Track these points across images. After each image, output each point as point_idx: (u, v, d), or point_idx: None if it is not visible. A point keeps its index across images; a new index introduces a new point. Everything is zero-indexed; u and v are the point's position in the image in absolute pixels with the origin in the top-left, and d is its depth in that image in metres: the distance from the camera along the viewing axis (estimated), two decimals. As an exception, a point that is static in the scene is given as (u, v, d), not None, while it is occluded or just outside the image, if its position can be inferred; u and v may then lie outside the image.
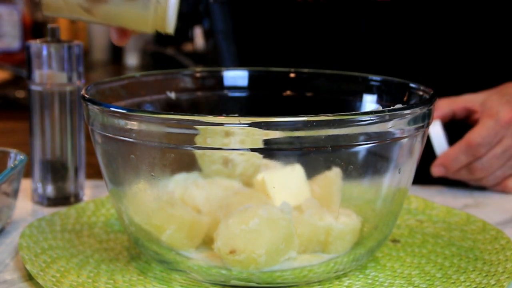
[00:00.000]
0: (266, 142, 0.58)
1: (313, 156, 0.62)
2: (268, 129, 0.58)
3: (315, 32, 1.04)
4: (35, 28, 2.22)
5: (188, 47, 2.19)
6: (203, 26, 2.17)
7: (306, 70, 0.82)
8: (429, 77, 0.95)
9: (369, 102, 0.77)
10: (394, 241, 0.75)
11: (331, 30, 1.03)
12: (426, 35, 1.01)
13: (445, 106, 0.93)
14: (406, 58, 1.02)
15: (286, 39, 1.06)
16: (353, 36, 1.03)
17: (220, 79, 0.82)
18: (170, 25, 0.65)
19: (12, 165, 0.77)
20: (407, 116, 0.62)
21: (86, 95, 0.66)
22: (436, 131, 0.91)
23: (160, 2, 0.64)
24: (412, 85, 0.73)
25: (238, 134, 0.58)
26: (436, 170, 0.91)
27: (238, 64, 1.12)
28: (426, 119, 0.65)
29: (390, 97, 0.75)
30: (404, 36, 1.02)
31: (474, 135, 0.89)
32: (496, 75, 1.02)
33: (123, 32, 0.69)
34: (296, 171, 0.65)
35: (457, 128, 0.94)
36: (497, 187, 0.93)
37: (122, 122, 0.61)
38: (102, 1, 0.65)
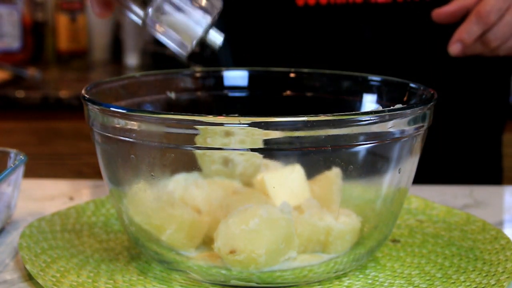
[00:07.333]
0: (266, 142, 0.58)
1: (313, 156, 0.62)
2: (268, 129, 0.58)
3: (316, 36, 1.04)
4: (35, 28, 2.21)
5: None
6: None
7: (306, 70, 0.81)
8: (429, 78, 0.95)
9: (369, 102, 0.77)
10: (394, 241, 0.75)
11: (332, 34, 1.03)
12: (426, 35, 1.01)
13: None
14: (405, 59, 1.02)
15: (287, 43, 1.06)
16: (354, 39, 1.03)
17: (220, 79, 0.81)
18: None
19: (12, 165, 0.77)
20: (407, 116, 0.62)
21: (86, 95, 0.66)
22: None
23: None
24: (412, 85, 0.73)
25: (238, 134, 0.58)
26: (453, 48, 0.90)
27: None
28: (426, 119, 0.65)
29: (390, 97, 0.75)
30: (403, 37, 1.02)
31: (483, 4, 0.89)
32: (497, 78, 1.02)
33: (106, 3, 0.67)
34: (296, 171, 0.65)
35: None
36: None
37: (122, 122, 0.61)
38: None
